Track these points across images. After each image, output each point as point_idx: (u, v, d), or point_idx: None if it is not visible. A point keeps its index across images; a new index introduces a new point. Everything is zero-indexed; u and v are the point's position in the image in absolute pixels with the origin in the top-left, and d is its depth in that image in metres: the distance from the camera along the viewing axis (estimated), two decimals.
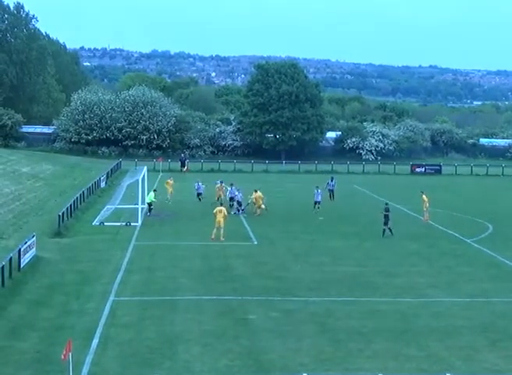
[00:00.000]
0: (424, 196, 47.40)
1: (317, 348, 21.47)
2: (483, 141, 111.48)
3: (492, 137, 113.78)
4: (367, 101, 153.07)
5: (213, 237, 38.27)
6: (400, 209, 51.95)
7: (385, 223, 40.95)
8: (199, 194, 53.55)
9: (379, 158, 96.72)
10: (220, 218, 38.60)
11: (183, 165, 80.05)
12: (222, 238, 38.11)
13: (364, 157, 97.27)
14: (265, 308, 25.48)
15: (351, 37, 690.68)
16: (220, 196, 50.41)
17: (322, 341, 22.22)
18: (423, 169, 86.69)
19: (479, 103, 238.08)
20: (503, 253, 36.27)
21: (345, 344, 21.90)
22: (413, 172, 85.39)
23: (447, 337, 22.76)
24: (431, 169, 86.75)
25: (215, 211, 39.41)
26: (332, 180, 56.83)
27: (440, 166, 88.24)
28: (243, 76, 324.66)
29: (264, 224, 43.86)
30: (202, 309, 25.34)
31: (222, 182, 52.80)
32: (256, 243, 38.25)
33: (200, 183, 54.16)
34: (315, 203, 49.55)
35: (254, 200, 47.06)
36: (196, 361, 20.30)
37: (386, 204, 43.02)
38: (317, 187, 50.51)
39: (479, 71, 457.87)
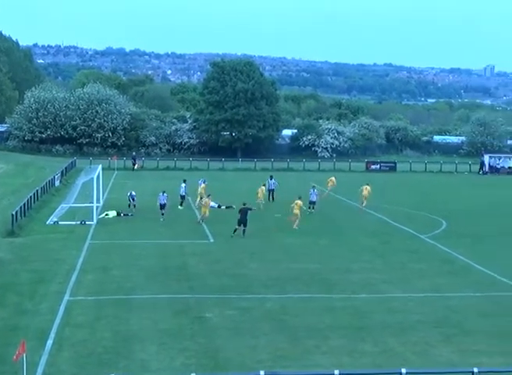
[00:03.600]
0: (368, 187, 51.38)
1: (274, 345, 21.54)
2: (437, 138, 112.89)
3: (446, 135, 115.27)
4: (322, 99, 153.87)
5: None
6: (355, 206, 52.38)
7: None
8: (182, 197, 50.55)
9: (335, 155, 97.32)
10: (206, 209, 42.68)
11: (134, 163, 79.49)
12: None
13: (319, 154, 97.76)
14: (222, 306, 25.48)
15: (307, 35, 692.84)
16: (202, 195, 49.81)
17: (279, 337, 22.29)
18: (378, 167, 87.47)
19: (433, 101, 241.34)
20: (456, 249, 36.78)
21: (302, 341, 22.01)
22: (368, 169, 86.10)
23: (402, 333, 23.01)
24: (386, 167, 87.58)
25: (203, 203, 43.33)
26: (271, 179, 54.94)
27: (395, 163, 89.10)
28: (199, 73, 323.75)
29: (221, 222, 43.81)
30: (158, 308, 25.23)
31: (205, 181, 52.65)
32: (212, 241, 38.22)
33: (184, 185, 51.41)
34: (310, 203, 48.58)
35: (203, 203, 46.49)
36: (152, 360, 20.22)
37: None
38: (313, 186, 50.34)
39: (433, 69, 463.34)
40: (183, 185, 50.14)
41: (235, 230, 39.10)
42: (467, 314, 25.29)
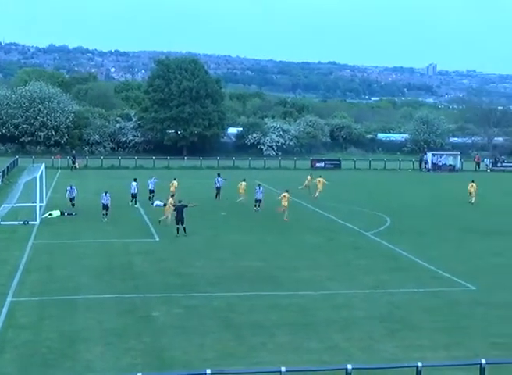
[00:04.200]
0: (321, 179, 54.11)
1: (220, 343, 21.55)
2: (381, 135, 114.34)
3: (390, 132, 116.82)
4: (267, 97, 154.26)
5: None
6: (300, 204, 52.66)
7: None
8: (151, 192, 51.50)
9: (280, 153, 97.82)
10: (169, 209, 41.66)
11: (74, 161, 78.43)
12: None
13: (265, 152, 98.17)
14: (168, 305, 25.38)
15: (251, 33, 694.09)
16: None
17: (225, 335, 22.31)
18: (323, 164, 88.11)
19: (377, 99, 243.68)
20: (400, 245, 37.28)
21: (248, 339, 22.06)
22: (313, 167, 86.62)
23: (347, 329, 23.23)
24: (330, 164, 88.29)
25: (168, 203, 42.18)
26: (219, 177, 54.99)
27: (339, 160, 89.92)
28: (143, 71, 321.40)
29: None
30: (103, 308, 25.01)
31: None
32: (158, 240, 38.03)
33: (153, 180, 52.40)
34: (256, 201, 48.48)
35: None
36: (97, 360, 20.04)
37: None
38: (259, 184, 50.39)
39: (377, 67, 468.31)
40: (134, 183, 50.06)
41: (177, 230, 38.95)
42: (411, 309, 25.66)
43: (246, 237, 38.98)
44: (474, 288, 28.78)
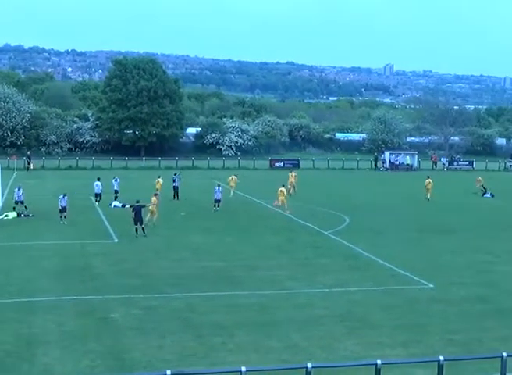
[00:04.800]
0: (294, 173, 57.44)
1: (180, 344, 21.48)
2: (339, 135, 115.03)
3: (348, 132, 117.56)
4: (226, 97, 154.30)
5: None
6: (259, 204, 52.75)
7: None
8: (116, 192, 51.53)
9: (239, 153, 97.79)
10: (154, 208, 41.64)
11: (29, 162, 77.51)
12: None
13: (224, 152, 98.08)
14: (127, 307, 25.21)
15: (210, 33, 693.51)
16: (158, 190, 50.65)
17: (185, 336, 22.23)
18: (282, 164, 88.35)
19: (335, 99, 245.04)
20: (358, 244, 37.52)
21: (208, 339, 22.02)
22: (272, 167, 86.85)
23: (307, 328, 23.31)
24: (289, 164, 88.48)
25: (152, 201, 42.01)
26: (176, 175, 54.77)
27: (298, 160, 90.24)
28: (100, 71, 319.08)
29: (125, 221, 43.34)
30: (62, 310, 24.75)
31: (117, 180, 52.60)
32: (116, 240, 37.75)
33: (117, 180, 52.50)
34: (215, 201, 48.48)
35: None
36: (56, 363, 19.82)
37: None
38: (218, 185, 50.14)
39: (334, 68, 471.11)
40: (98, 183, 49.99)
41: (136, 231, 38.74)
42: (370, 307, 25.84)
43: (205, 238, 38.90)
44: (431, 286, 29.10)
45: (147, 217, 41.31)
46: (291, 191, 56.37)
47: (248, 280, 29.46)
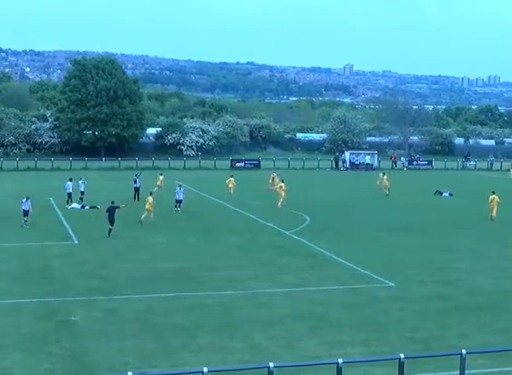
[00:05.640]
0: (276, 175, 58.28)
1: (141, 346, 21.37)
2: (299, 135, 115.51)
3: (308, 132, 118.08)
4: (186, 97, 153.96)
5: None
6: (220, 204, 52.73)
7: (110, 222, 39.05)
8: (82, 193, 51.55)
9: (200, 153, 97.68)
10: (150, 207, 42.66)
11: None
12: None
13: (184, 153, 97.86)
14: (88, 309, 25.01)
15: (169, 33, 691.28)
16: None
17: (146, 338, 22.13)
18: (243, 164, 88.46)
19: (295, 99, 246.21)
20: (319, 243, 37.68)
21: (169, 340, 21.94)
22: (233, 167, 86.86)
23: (269, 328, 23.35)
24: (250, 164, 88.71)
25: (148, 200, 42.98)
26: (136, 176, 54.51)
27: (259, 160, 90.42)
28: (59, 71, 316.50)
29: (85, 222, 43.05)
30: (21, 313, 24.47)
31: (84, 182, 52.47)
32: (76, 242, 37.43)
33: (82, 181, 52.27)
34: (176, 202, 48.30)
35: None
36: (15, 367, 19.58)
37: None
38: (179, 185, 49.92)
39: (295, 68, 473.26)
40: (69, 183, 50.17)
41: (109, 231, 38.63)
42: (331, 306, 25.97)
43: (166, 239, 38.76)
44: (392, 284, 29.33)
45: (143, 215, 42.40)
46: (273, 188, 57.40)
47: (209, 281, 29.43)
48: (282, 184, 52.39)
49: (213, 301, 26.40)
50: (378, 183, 62.08)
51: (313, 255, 35.43)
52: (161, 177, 56.80)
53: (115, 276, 30.03)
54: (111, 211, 38.89)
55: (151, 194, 44.27)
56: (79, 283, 28.57)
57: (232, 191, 56.00)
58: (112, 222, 38.76)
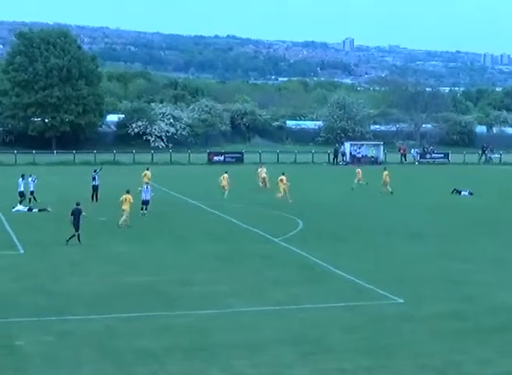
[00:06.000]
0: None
1: None
2: (290, 123, 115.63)
3: (301, 119, 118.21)
4: (154, 78, 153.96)
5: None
6: (196, 205, 52.73)
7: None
8: (32, 193, 52.14)
9: (171, 145, 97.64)
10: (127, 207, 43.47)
11: None
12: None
13: (152, 144, 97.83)
14: (36, 331, 24.93)
15: (133, 0, 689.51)
16: None
17: (106, 365, 22.06)
18: (222, 158, 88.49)
19: (285, 79, 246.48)
20: (314, 253, 37.72)
21: (133, 369, 21.86)
22: (210, 161, 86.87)
23: (253, 353, 23.34)
24: (231, 158, 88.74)
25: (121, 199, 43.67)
26: (96, 172, 54.36)
27: (242, 153, 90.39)
28: (1, 46, 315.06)
29: (33, 228, 42.94)
30: None
31: (34, 180, 52.89)
32: (22, 251, 37.33)
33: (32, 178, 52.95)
34: (143, 203, 48.34)
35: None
36: None
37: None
38: (146, 183, 49.89)
39: (284, 42, 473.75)
40: (21, 181, 50.87)
41: (78, 237, 38.76)
42: (329, 328, 26.00)
43: (131, 247, 38.72)
44: (401, 301, 29.43)
45: (122, 218, 43.21)
46: (263, 186, 61.03)
47: (183, 298, 29.41)
48: (283, 177, 55.49)
49: (186, 321, 26.39)
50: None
51: (307, 266, 35.48)
52: (148, 173, 57.41)
53: (69, 292, 29.95)
54: (76, 214, 38.87)
55: (128, 192, 44.38)
56: (25, 301, 28.47)
57: (226, 191, 56.72)
58: (77, 227, 38.72)
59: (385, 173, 61.43)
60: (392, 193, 59.48)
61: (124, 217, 43.64)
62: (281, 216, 49.00)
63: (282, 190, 55.00)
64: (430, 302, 29.39)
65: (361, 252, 38.64)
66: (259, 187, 61.80)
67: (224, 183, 57.20)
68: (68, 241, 38.55)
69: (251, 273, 33.70)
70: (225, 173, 58.35)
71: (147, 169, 58.67)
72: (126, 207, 43.55)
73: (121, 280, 32.05)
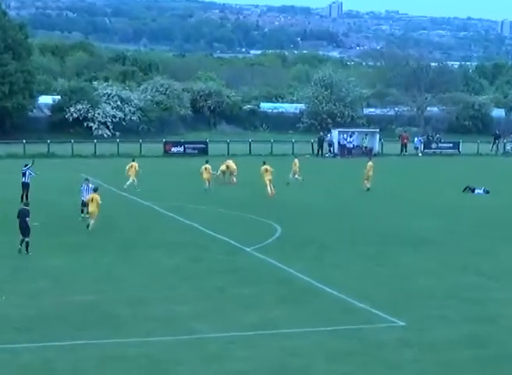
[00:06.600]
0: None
1: None
2: (265, 106, 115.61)
3: (278, 102, 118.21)
4: (98, 51, 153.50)
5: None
6: (149, 207, 52.62)
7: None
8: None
9: (118, 133, 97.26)
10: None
11: None
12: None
13: (95, 132, 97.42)
14: None
15: None
16: None
17: None
18: (181, 149, 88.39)
19: (258, 52, 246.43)
20: (294, 264, 37.67)
21: None
22: (167, 153, 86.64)
23: None
24: (193, 149, 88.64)
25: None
26: (27, 168, 54.36)
27: (206, 143, 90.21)
28: None
29: None
30: None
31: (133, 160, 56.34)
32: None
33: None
34: (83, 205, 48.02)
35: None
36: None
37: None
38: (86, 179, 49.65)
39: (257, 7, 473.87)
40: None
41: (21, 244, 39.03)
42: (314, 357, 25.98)
43: (70, 259, 38.53)
44: (402, 324, 29.44)
45: (91, 221, 44.17)
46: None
47: (133, 321, 29.30)
48: (267, 167, 58.34)
49: (138, 351, 26.30)
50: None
51: (286, 281, 35.45)
52: (135, 164, 59.71)
53: None
54: (22, 215, 39.10)
55: (95, 190, 45.09)
56: None
57: (208, 185, 58.91)
58: (24, 231, 38.96)
59: (370, 164, 61.59)
60: (368, 190, 60.21)
61: (93, 221, 44.20)
62: (255, 221, 48.99)
63: (267, 181, 58.35)
64: (437, 325, 29.43)
65: (353, 263, 38.67)
66: (218, 179, 61.98)
67: (206, 175, 59.36)
68: (27, 251, 38.98)
69: (218, 291, 33.63)
70: (206, 162, 60.28)
71: (133, 161, 60.42)
72: (92, 209, 43.95)
73: (58, 299, 31.87)
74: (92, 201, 44.14)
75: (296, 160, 67.19)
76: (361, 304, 31.81)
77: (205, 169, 59.70)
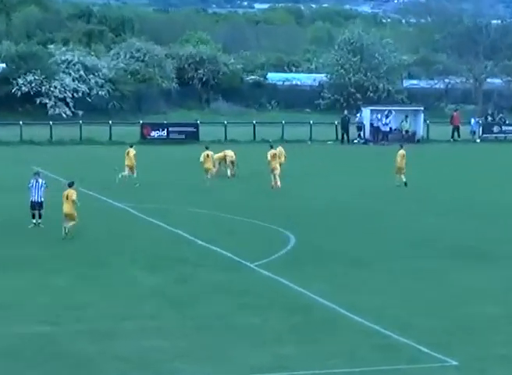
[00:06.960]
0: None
1: None
2: (274, 77, 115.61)
3: (291, 71, 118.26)
4: (54, 5, 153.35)
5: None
6: (123, 210, 52.67)
7: None
8: None
9: (81, 113, 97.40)
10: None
11: None
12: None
13: (51, 111, 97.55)
14: None
15: None
16: None
17: None
18: (164, 133, 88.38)
19: (265, 6, 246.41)
20: (311, 285, 37.58)
21: None
22: (145, 138, 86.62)
23: None
24: (179, 133, 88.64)
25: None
26: None
27: (196, 125, 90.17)
28: None
29: None
30: None
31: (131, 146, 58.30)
32: None
33: None
34: (33, 207, 48.57)
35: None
36: None
37: None
38: (37, 173, 49.77)
39: None
40: None
41: None
42: None
43: (16, 278, 38.57)
44: (455, 363, 29.39)
45: (70, 223, 44.86)
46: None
47: (99, 360, 29.19)
48: (275, 151, 60.37)
49: None
50: None
51: (302, 307, 35.39)
52: (132, 151, 61.65)
53: None
54: None
55: (70, 185, 45.74)
56: None
57: (209, 176, 60.41)
58: None
59: (401, 152, 61.13)
60: (406, 185, 60.22)
61: (71, 224, 45.07)
62: (260, 227, 49.04)
63: (275, 172, 59.94)
64: (500, 365, 29.34)
65: (387, 284, 38.65)
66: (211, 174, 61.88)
67: (208, 165, 60.86)
68: None
69: (212, 321, 33.58)
70: (207, 148, 61.74)
71: (131, 147, 62.36)
72: (68, 210, 44.74)
73: (5, 331, 31.85)
74: (67, 199, 44.65)
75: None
76: (402, 338, 31.72)
77: (207, 156, 60.67)
